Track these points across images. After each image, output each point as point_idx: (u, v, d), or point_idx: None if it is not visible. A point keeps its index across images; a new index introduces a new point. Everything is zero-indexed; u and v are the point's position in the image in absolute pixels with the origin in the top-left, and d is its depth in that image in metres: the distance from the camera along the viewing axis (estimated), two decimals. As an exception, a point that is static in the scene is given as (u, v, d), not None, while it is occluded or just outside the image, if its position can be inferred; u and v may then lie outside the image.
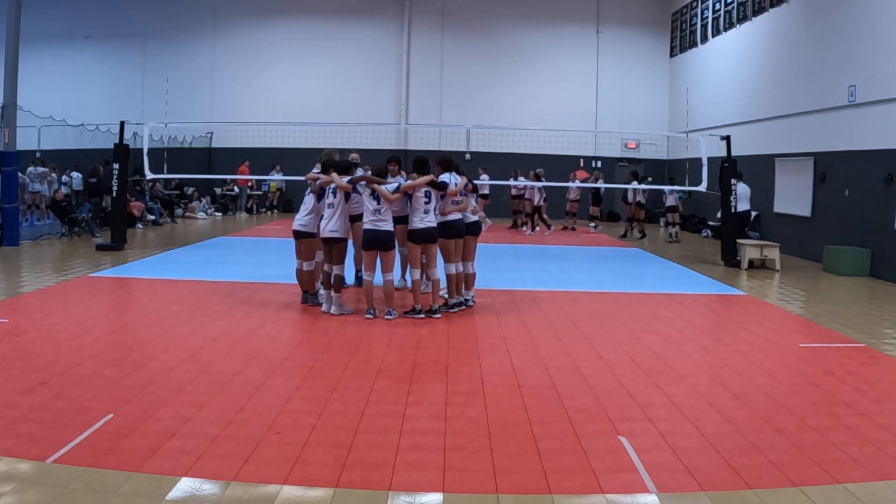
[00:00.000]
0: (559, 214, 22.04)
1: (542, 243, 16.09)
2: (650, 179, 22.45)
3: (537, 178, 17.63)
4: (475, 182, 9.01)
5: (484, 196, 18.45)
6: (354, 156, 8.83)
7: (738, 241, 13.33)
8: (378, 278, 7.89)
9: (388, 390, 5.33)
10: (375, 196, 7.70)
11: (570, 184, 19.94)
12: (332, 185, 7.85)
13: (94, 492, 3.59)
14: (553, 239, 17.15)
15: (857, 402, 5.30)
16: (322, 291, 8.21)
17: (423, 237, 7.85)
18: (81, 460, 3.92)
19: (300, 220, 8.25)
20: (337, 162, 8.14)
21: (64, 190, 16.95)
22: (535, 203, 18.10)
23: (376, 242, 7.68)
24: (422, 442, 4.35)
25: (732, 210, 13.42)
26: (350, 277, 9.32)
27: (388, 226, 7.73)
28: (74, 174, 18.68)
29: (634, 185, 17.58)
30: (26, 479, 3.69)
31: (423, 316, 7.77)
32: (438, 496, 3.68)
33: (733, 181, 13.49)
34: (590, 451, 4.27)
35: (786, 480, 3.92)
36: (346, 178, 7.85)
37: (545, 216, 18.30)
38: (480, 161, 19.88)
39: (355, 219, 8.37)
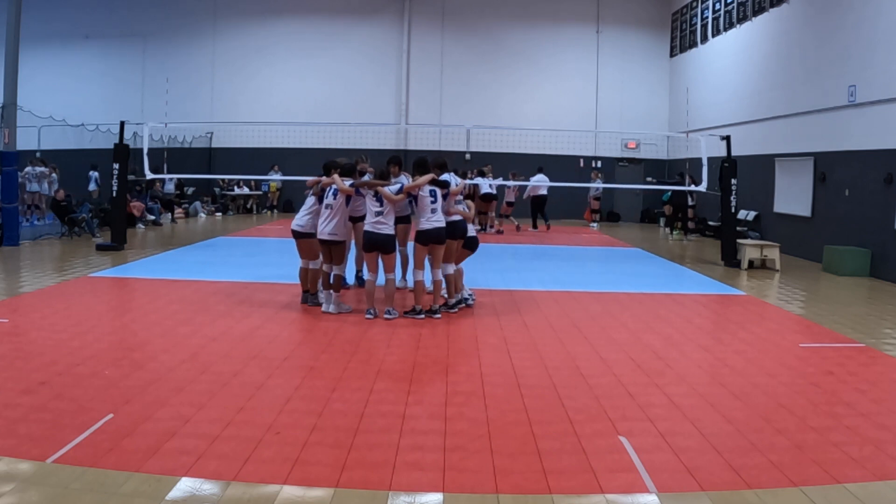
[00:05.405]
0: (556, 215, 22.11)
1: (543, 243, 16.10)
2: (650, 179, 22.51)
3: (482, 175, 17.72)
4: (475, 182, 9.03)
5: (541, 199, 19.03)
6: (364, 166, 8.80)
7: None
8: (380, 278, 7.89)
9: (388, 390, 5.33)
10: (378, 198, 7.67)
11: (589, 184, 20.20)
12: (333, 187, 7.84)
13: (94, 492, 3.59)
14: (553, 239, 17.16)
15: (857, 402, 5.30)
16: (322, 291, 8.20)
17: (431, 238, 7.76)
18: (81, 460, 3.92)
19: (298, 220, 8.25)
20: (338, 164, 8.13)
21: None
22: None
23: (377, 245, 7.65)
24: (422, 442, 4.35)
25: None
26: (350, 277, 9.32)
27: (390, 229, 7.69)
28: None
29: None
30: (26, 479, 3.69)
31: (423, 316, 7.77)
32: (438, 496, 3.68)
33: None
34: (590, 451, 4.27)
35: (786, 480, 3.92)
36: (348, 182, 7.84)
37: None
38: (480, 161, 19.86)
39: (357, 220, 8.37)
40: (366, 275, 7.99)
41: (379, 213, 7.64)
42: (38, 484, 3.65)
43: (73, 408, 4.72)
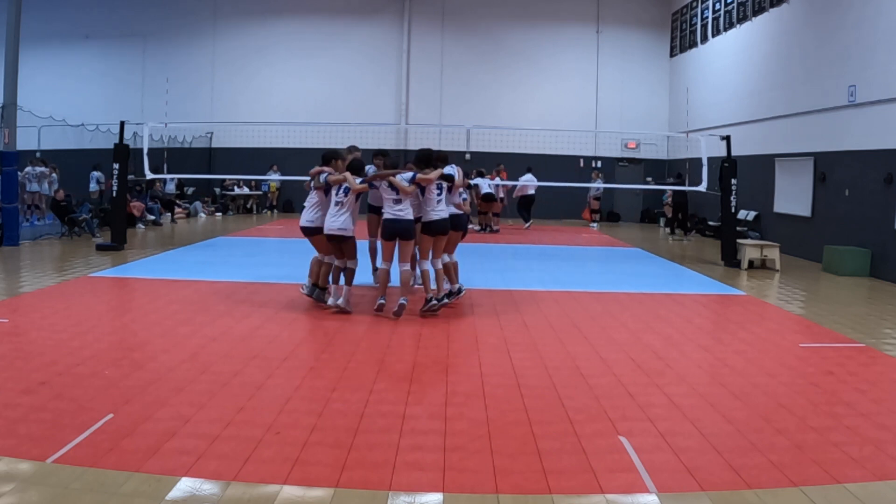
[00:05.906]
0: (556, 215, 22.16)
1: (542, 243, 16.10)
2: (649, 180, 22.51)
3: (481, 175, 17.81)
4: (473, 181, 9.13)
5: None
6: (357, 154, 8.84)
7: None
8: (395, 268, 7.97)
9: (388, 390, 5.33)
10: (394, 187, 7.75)
11: (589, 184, 20.29)
12: (344, 184, 7.86)
13: (94, 492, 3.59)
14: (553, 239, 17.16)
15: (857, 402, 5.30)
16: (331, 285, 8.18)
17: (437, 229, 7.90)
18: (81, 460, 3.92)
19: (307, 216, 8.22)
20: (340, 154, 8.22)
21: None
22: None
23: (398, 232, 7.75)
24: (422, 442, 4.35)
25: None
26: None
27: (409, 215, 7.79)
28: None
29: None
30: (26, 479, 3.69)
31: (436, 304, 7.80)
32: (438, 496, 3.68)
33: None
34: (590, 451, 4.27)
35: (786, 480, 3.92)
36: (359, 180, 7.88)
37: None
38: (479, 161, 19.85)
39: (374, 209, 8.50)
40: (380, 264, 8.05)
41: (398, 202, 7.74)
42: (38, 484, 3.65)
43: (73, 408, 4.72)
